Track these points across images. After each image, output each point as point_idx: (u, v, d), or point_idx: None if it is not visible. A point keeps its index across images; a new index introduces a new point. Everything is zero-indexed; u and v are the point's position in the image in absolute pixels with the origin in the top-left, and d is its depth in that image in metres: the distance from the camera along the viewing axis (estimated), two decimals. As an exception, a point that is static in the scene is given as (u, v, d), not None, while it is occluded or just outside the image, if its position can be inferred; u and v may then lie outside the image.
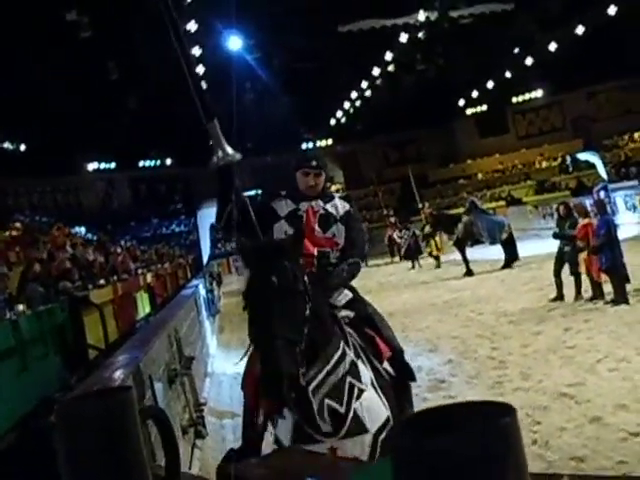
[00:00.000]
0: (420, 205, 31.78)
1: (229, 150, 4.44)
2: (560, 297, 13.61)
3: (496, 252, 21.97)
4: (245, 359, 4.31)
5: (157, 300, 15.50)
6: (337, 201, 4.72)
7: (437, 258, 25.45)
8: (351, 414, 3.85)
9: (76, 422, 1.77)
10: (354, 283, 4.74)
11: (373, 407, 3.92)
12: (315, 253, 4.47)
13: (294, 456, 3.36)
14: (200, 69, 31.08)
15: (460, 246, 21.73)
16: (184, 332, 9.53)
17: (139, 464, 1.76)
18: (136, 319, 13.17)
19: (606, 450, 6.06)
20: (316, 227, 4.56)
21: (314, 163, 4.68)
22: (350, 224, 4.63)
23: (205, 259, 24.96)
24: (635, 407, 7.02)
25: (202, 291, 17.71)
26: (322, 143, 43.41)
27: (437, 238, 25.16)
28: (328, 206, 4.66)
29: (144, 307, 14.78)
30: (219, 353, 14.07)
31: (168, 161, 47.40)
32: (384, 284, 23.08)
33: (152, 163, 47.29)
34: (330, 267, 4.50)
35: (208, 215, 26.68)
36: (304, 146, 44.16)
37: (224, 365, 12.30)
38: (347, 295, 4.53)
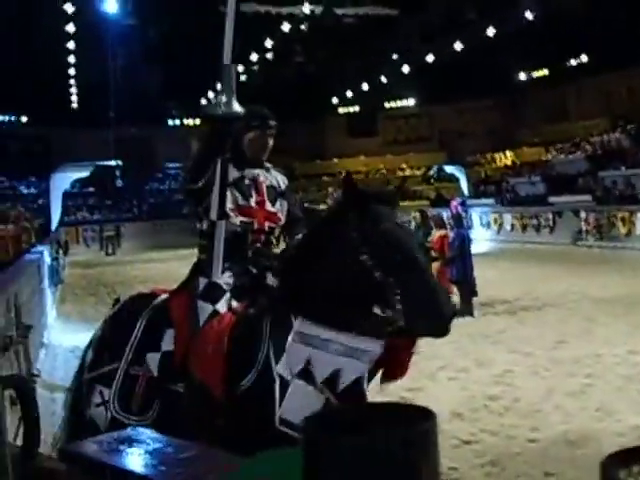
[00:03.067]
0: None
1: (235, 103, 3.99)
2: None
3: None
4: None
5: (-2, 263, 14.74)
6: (275, 174, 4.35)
7: None
8: None
9: None
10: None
11: None
12: (267, 228, 4.17)
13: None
14: (70, 27, 29.79)
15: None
16: (24, 299, 9.07)
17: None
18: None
19: None
20: (267, 199, 4.21)
21: (272, 122, 4.24)
22: (290, 201, 4.33)
23: (54, 225, 24.02)
24: (469, 416, 7.24)
25: (47, 258, 16.99)
26: (191, 122, 42.70)
27: None
28: (271, 178, 4.31)
29: (-17, 268, 14.02)
30: (58, 324, 13.56)
31: (24, 118, 44.97)
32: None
33: (6, 118, 44.73)
34: (272, 244, 4.23)
35: (62, 179, 25.72)
36: (171, 122, 43.50)
37: (62, 337, 11.85)
38: None
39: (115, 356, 3.99)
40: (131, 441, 2.43)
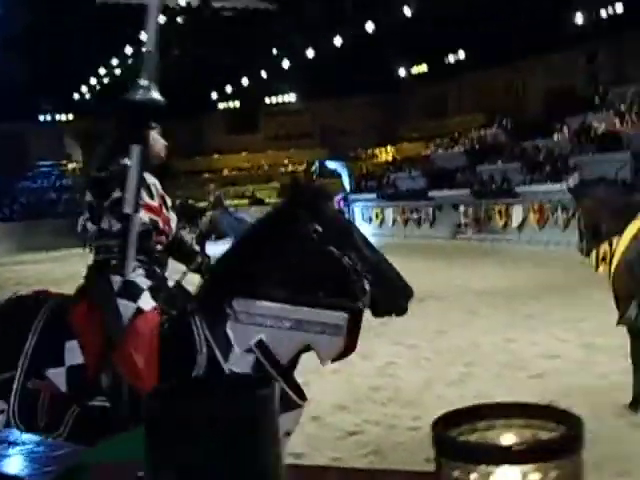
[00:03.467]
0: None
1: (155, 91, 3.92)
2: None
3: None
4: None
5: None
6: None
7: None
8: None
9: None
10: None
11: None
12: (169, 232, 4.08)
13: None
14: None
15: (201, 240, 21.60)
16: None
17: None
18: None
19: (323, 448, 6.30)
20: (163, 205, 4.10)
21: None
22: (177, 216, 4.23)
23: None
24: (353, 408, 7.37)
25: None
26: (62, 117, 41.34)
27: None
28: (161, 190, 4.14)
29: None
30: None
31: None
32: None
33: None
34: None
35: None
36: (42, 117, 42.00)
37: None
38: None
39: (6, 365, 3.63)
40: (1, 443, 2.33)
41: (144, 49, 4.13)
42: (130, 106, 3.93)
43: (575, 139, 26.01)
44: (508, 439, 1.06)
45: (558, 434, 1.05)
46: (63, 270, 23.20)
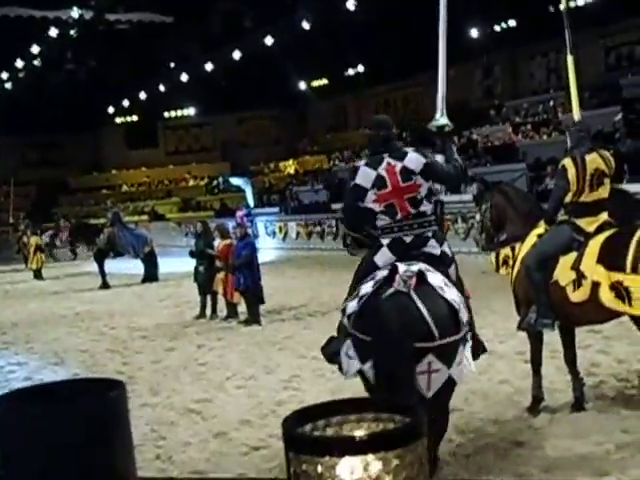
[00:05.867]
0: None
1: (445, 118, 5.94)
2: (202, 315, 13.75)
3: (134, 266, 21.71)
4: None
5: None
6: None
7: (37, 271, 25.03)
8: None
9: None
10: None
11: None
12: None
13: None
14: None
15: (99, 258, 21.09)
16: None
17: None
18: None
19: (228, 464, 6.23)
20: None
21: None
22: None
23: None
24: (258, 423, 7.26)
25: None
26: None
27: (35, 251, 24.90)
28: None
29: None
30: None
31: None
32: (10, 292, 21.78)
33: None
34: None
35: None
36: None
37: None
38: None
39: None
40: None
41: (439, 106, 6.07)
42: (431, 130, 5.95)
43: (471, 151, 26.63)
44: (357, 432, 1.15)
45: (398, 425, 1.14)
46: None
